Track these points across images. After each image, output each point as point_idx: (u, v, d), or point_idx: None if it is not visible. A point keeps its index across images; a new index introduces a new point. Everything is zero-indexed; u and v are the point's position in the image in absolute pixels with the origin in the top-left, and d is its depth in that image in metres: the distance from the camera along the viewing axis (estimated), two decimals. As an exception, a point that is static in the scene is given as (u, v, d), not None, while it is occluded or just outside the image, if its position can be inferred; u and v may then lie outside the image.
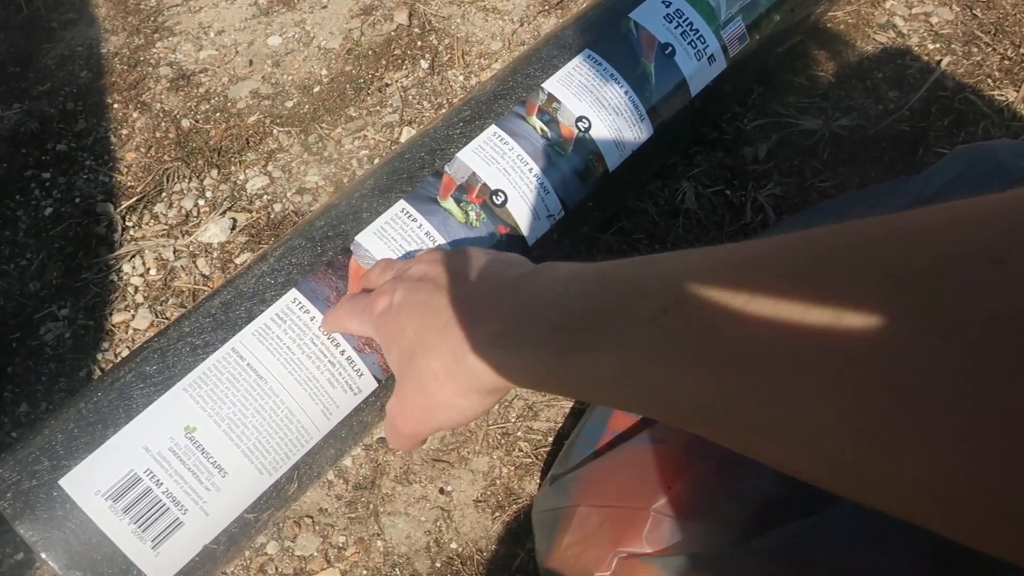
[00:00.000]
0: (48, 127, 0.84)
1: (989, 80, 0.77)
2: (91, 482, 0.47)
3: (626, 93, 0.62)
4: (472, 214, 0.56)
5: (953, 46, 0.80)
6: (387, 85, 0.85)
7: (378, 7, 0.91)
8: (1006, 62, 0.78)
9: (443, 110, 0.82)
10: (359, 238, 0.54)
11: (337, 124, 0.82)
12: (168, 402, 0.49)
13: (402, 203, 0.56)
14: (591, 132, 0.61)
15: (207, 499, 0.49)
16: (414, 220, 0.55)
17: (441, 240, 0.55)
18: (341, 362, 0.52)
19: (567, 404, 0.63)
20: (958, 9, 0.83)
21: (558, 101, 0.61)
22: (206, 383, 0.49)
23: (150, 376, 0.50)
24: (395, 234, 0.55)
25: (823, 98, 0.78)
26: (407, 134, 0.80)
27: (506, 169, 0.58)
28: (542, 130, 0.59)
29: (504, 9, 0.89)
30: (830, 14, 0.83)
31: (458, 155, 0.58)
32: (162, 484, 0.47)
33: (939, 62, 0.79)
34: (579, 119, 0.60)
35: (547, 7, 0.88)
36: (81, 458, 0.47)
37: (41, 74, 0.89)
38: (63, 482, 0.46)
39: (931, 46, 0.80)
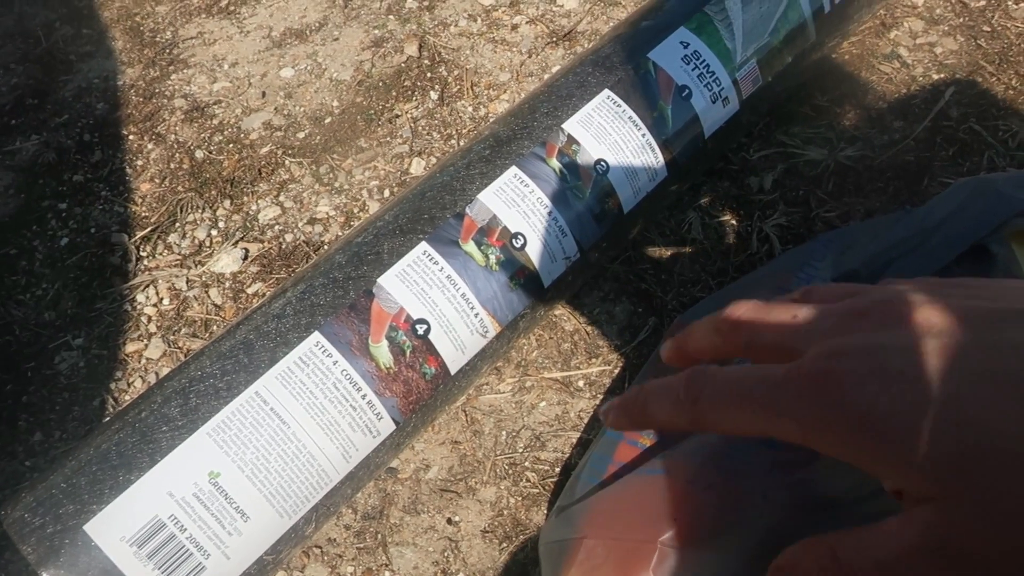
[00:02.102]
0: (65, 158, 0.86)
1: (994, 110, 0.78)
2: (116, 528, 0.47)
3: (643, 135, 0.62)
4: (492, 257, 0.57)
5: (958, 76, 0.81)
6: (397, 116, 0.86)
7: (389, 39, 0.93)
8: (1010, 92, 0.79)
9: (452, 141, 0.83)
10: (381, 280, 0.55)
11: (348, 155, 0.84)
12: (192, 447, 0.50)
13: (424, 245, 0.57)
14: (608, 175, 0.62)
15: (229, 544, 0.49)
16: (435, 263, 0.56)
17: (461, 284, 0.56)
18: (362, 406, 0.53)
19: (574, 434, 0.64)
20: (962, 39, 0.83)
21: (578, 143, 0.61)
22: (230, 427, 0.50)
23: (173, 419, 0.50)
24: (417, 277, 0.56)
25: (828, 128, 0.78)
26: (417, 165, 0.81)
27: (526, 212, 0.58)
28: (561, 172, 0.60)
29: (512, 41, 0.91)
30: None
31: (479, 197, 0.59)
32: (186, 530, 0.48)
33: (943, 92, 0.79)
34: (597, 162, 0.61)
35: (555, 39, 0.90)
36: (106, 503, 0.48)
37: (59, 106, 0.91)
38: (88, 527, 0.47)
39: (936, 76, 0.81)
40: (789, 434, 0.24)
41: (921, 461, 0.21)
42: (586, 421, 0.64)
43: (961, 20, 0.85)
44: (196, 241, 0.79)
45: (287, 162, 0.84)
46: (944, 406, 0.21)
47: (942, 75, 0.81)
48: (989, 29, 0.84)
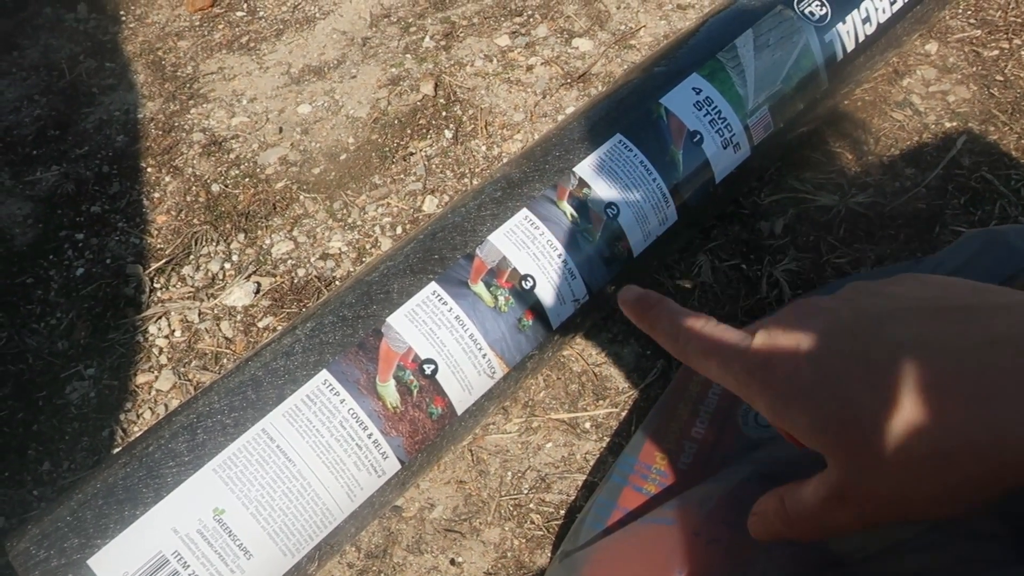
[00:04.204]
0: (84, 189, 0.87)
1: (1006, 159, 0.78)
2: (119, 563, 0.47)
3: (654, 180, 0.63)
4: (501, 299, 0.58)
5: (970, 124, 0.81)
6: (411, 154, 0.87)
7: (405, 78, 0.94)
8: (1023, 141, 0.79)
9: (466, 179, 0.84)
10: (390, 320, 0.56)
11: (362, 191, 0.84)
12: (198, 483, 0.50)
13: (433, 285, 0.57)
14: (619, 218, 0.62)
15: None
16: (444, 303, 0.56)
17: (470, 324, 0.56)
18: (368, 445, 0.53)
19: (580, 477, 0.63)
20: (975, 88, 0.84)
21: (589, 187, 0.62)
22: (236, 464, 0.50)
23: (180, 454, 0.51)
24: (425, 317, 0.56)
25: (840, 174, 0.79)
26: (430, 202, 0.82)
27: (536, 254, 0.59)
28: (572, 215, 0.61)
29: (527, 82, 0.92)
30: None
31: (489, 238, 0.59)
32: (189, 567, 0.48)
33: (956, 140, 0.80)
34: (608, 206, 0.62)
35: (569, 81, 0.91)
36: (110, 537, 0.48)
37: (79, 137, 0.92)
38: (91, 562, 0.47)
39: (948, 124, 0.81)
40: (741, 394, 0.30)
41: (822, 428, 0.27)
42: (592, 463, 0.64)
43: (974, 69, 0.85)
44: (209, 274, 0.79)
45: (302, 197, 0.85)
46: (835, 385, 0.27)
47: (954, 123, 0.81)
48: (1002, 79, 0.84)
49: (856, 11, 0.73)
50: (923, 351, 0.26)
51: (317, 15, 1.04)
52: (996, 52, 0.86)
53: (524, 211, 0.61)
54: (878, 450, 0.26)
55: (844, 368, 0.27)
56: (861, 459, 0.26)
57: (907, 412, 0.25)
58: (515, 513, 0.62)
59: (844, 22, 0.72)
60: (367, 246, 0.80)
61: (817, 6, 0.71)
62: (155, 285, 0.79)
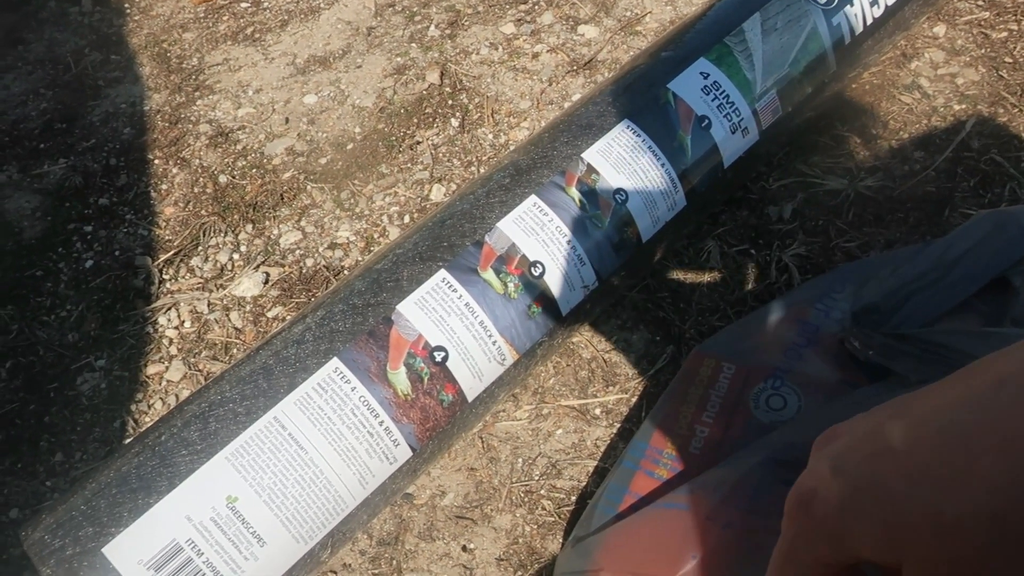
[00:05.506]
0: (91, 182, 0.87)
1: (1016, 141, 0.77)
2: (134, 551, 0.48)
3: (663, 165, 0.63)
4: (511, 285, 0.58)
5: (979, 107, 0.80)
6: (418, 143, 0.87)
7: (411, 67, 0.94)
8: (1033, 123, 0.78)
9: (472, 167, 0.84)
10: (400, 307, 0.56)
11: (369, 180, 0.84)
12: (211, 471, 0.50)
13: (443, 272, 0.57)
14: (628, 204, 0.62)
15: (245, 568, 0.50)
16: (454, 290, 0.56)
17: (480, 311, 0.56)
18: (379, 432, 0.53)
19: (591, 463, 0.63)
20: (984, 70, 0.83)
21: (597, 173, 0.62)
22: (248, 452, 0.51)
23: (192, 443, 0.51)
24: (435, 304, 0.56)
25: (848, 158, 0.78)
26: (437, 191, 0.82)
27: (545, 241, 0.59)
28: (580, 201, 0.61)
29: (533, 69, 0.91)
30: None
31: (498, 225, 0.59)
32: (203, 554, 0.48)
33: (965, 123, 0.79)
34: (617, 191, 0.62)
35: (575, 68, 0.90)
36: (124, 526, 0.48)
37: (86, 130, 0.92)
38: (106, 550, 0.47)
39: (957, 107, 0.81)
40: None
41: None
42: (603, 449, 0.64)
43: (983, 51, 0.85)
44: (218, 265, 0.80)
45: (309, 187, 0.85)
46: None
47: (963, 106, 0.81)
48: (1011, 60, 0.84)
49: (864, -7, 0.73)
50: None
51: (322, 5, 1.04)
52: (1005, 34, 0.86)
53: (533, 198, 0.61)
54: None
55: None
56: None
57: None
58: (526, 499, 0.63)
59: (852, 4, 0.72)
60: (375, 235, 0.80)
61: (825, -11, 0.71)
62: (164, 276, 0.79)
